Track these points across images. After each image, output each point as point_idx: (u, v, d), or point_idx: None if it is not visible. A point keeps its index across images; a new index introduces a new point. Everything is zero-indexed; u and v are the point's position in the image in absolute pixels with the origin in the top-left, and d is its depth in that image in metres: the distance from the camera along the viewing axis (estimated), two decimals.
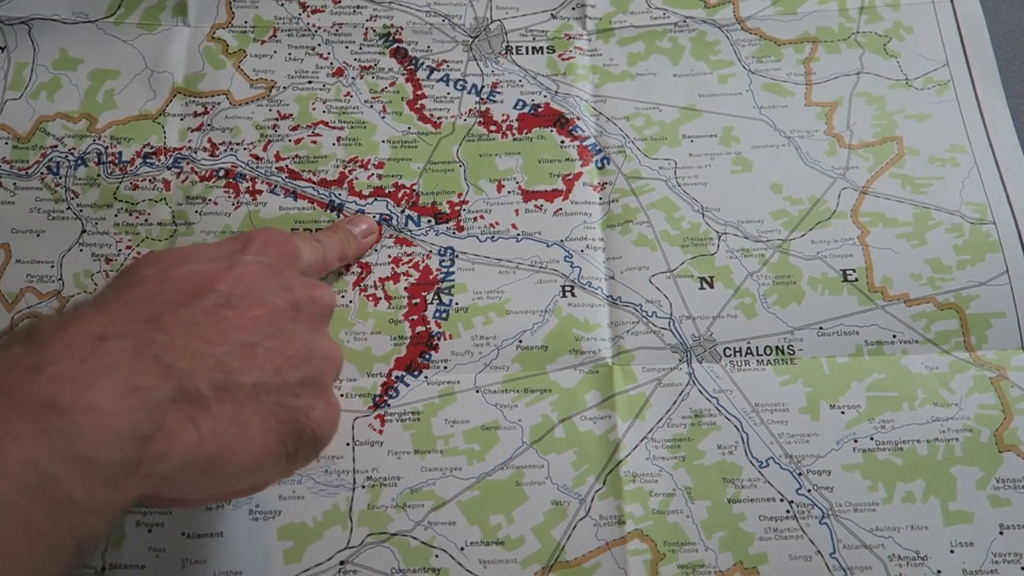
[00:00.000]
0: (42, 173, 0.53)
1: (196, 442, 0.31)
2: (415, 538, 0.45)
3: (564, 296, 0.50)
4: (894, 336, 0.48)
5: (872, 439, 0.46)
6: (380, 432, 0.47)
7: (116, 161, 0.54)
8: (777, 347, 0.48)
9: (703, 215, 0.51)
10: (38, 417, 0.27)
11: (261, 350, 0.34)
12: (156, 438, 0.30)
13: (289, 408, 0.35)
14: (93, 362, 0.29)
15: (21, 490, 0.27)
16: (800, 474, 0.45)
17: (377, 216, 0.52)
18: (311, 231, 0.51)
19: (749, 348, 0.48)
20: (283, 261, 0.39)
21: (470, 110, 0.55)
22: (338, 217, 0.52)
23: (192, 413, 0.31)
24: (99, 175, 0.53)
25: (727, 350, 0.48)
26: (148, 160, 0.54)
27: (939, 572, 0.43)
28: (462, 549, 0.45)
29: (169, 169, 0.54)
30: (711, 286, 0.50)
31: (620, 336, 0.49)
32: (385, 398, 0.48)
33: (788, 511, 0.45)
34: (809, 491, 0.45)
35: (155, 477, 0.30)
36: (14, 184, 0.53)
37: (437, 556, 0.44)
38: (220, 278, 0.35)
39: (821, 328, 0.49)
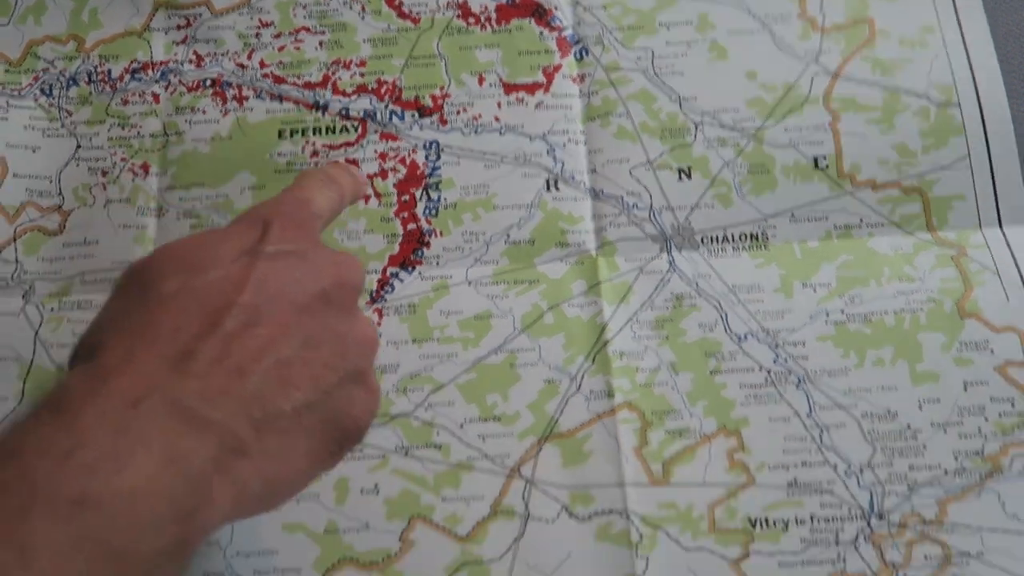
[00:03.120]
0: (35, 95, 0.55)
1: (236, 495, 0.30)
2: (417, 418, 0.48)
3: (548, 190, 0.52)
4: (861, 220, 0.51)
5: (843, 312, 0.49)
6: (379, 325, 0.50)
7: (106, 79, 0.55)
8: (752, 234, 0.51)
9: (680, 105, 0.53)
10: (69, 519, 0.26)
11: (297, 365, 0.33)
12: (200, 511, 0.29)
13: (331, 414, 0.34)
14: (127, 434, 0.28)
15: None
16: (777, 346, 0.48)
17: (361, 112, 0.54)
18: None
19: (725, 236, 0.51)
20: (306, 242, 0.37)
21: (448, 3, 0.56)
22: (323, 116, 0.54)
23: (234, 466, 0.30)
24: (91, 94, 0.55)
25: (704, 238, 0.51)
26: (136, 76, 0.55)
27: (909, 425, 0.47)
28: (461, 426, 0.47)
29: (157, 83, 0.55)
30: (689, 177, 0.52)
31: (603, 228, 0.51)
32: (381, 293, 0.50)
33: (767, 379, 0.48)
34: (786, 360, 0.48)
35: (199, 545, 0.29)
36: (7, 102, 0.54)
37: (438, 434, 0.47)
38: (241, 287, 0.33)
39: (793, 215, 0.51)
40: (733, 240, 0.51)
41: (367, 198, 0.50)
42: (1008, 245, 0.50)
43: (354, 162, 0.53)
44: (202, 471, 0.29)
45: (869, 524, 0.45)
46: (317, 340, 0.34)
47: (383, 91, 0.55)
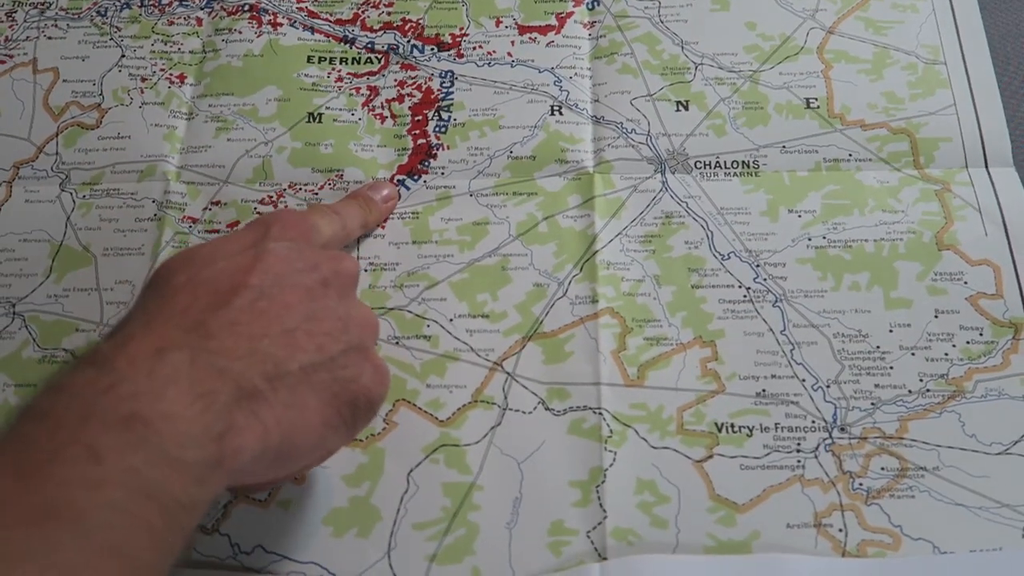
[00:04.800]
0: (92, 16, 0.60)
1: (263, 433, 0.33)
2: (410, 311, 0.50)
3: (552, 114, 0.55)
4: (850, 155, 0.53)
5: (824, 238, 0.51)
6: (383, 227, 0.53)
7: (156, 4, 0.60)
8: (743, 162, 0.53)
9: (682, 48, 0.57)
10: (125, 429, 0.29)
11: (301, 334, 0.36)
12: (229, 435, 0.32)
13: (339, 380, 0.37)
14: (157, 376, 0.31)
15: (131, 494, 0.28)
16: (758, 266, 0.50)
17: (385, 46, 0.58)
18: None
19: (718, 162, 0.53)
20: (303, 240, 0.41)
21: None
22: (350, 48, 0.58)
23: (254, 408, 0.33)
24: (140, 15, 0.60)
25: (698, 163, 0.53)
26: (184, 3, 0.60)
27: (878, 347, 0.48)
28: (451, 320, 0.50)
29: (202, 9, 0.60)
30: (686, 108, 0.55)
31: (602, 149, 0.54)
32: None
33: (745, 296, 0.50)
34: (765, 280, 0.50)
35: (235, 471, 0.32)
36: (67, 25, 0.60)
37: (428, 326, 0.50)
38: (249, 271, 0.37)
39: (784, 147, 0.54)
40: (725, 166, 0.53)
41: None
42: (992, 184, 0.52)
43: (389, 186, 0.54)
44: (226, 405, 0.32)
45: (831, 435, 0.46)
46: (320, 316, 0.37)
47: (407, 28, 0.59)
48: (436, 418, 0.48)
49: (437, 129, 0.55)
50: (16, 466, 0.28)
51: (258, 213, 0.53)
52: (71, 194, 0.54)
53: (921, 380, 0.47)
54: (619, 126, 0.54)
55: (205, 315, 0.34)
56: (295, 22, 0.59)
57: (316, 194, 0.53)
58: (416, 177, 0.54)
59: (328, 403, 0.36)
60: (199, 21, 0.60)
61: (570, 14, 0.58)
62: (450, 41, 0.58)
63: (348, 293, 0.41)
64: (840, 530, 0.44)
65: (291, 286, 0.37)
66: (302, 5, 0.60)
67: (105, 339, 0.33)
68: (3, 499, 0.28)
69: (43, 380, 0.32)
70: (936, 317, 0.49)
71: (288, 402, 0.34)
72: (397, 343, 0.49)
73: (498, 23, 0.58)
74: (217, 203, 0.53)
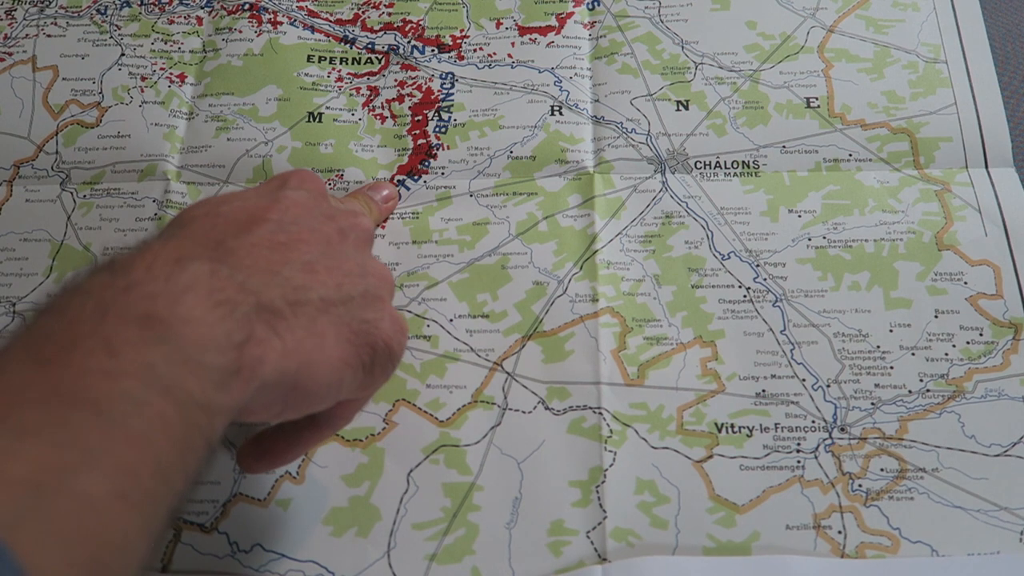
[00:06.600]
0: (92, 14, 0.60)
1: (283, 351, 0.32)
2: (410, 311, 0.50)
3: (552, 115, 0.55)
4: (850, 155, 0.53)
5: (824, 238, 0.51)
6: (383, 227, 0.53)
7: (156, 2, 0.60)
8: (743, 162, 0.53)
9: (683, 48, 0.57)
10: (143, 327, 0.29)
11: (321, 268, 0.36)
12: (249, 345, 0.31)
13: (359, 320, 0.36)
14: (176, 282, 0.30)
15: (147, 388, 0.28)
16: (758, 265, 0.50)
17: (386, 47, 0.58)
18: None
19: (718, 162, 0.53)
20: (320, 195, 0.41)
21: None
22: (350, 48, 0.58)
23: (274, 324, 0.33)
24: (140, 13, 0.60)
25: (698, 163, 0.53)
26: (185, 1, 0.60)
27: (878, 347, 0.48)
28: (451, 320, 0.50)
29: (203, 8, 0.60)
30: (686, 108, 0.55)
31: (602, 149, 0.54)
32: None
33: (745, 295, 0.50)
34: (765, 279, 0.50)
35: (255, 382, 0.31)
36: (67, 23, 0.60)
37: (428, 326, 0.50)
38: (269, 209, 0.37)
39: (784, 147, 0.54)
40: (725, 166, 0.53)
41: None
42: (992, 184, 0.52)
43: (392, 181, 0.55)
44: (246, 315, 0.31)
45: (831, 436, 0.46)
46: (338, 258, 0.37)
47: (407, 29, 0.59)
48: (436, 418, 0.48)
49: (437, 129, 0.55)
50: (33, 353, 0.28)
51: None
52: (71, 193, 0.54)
53: (921, 380, 0.47)
54: (619, 126, 0.54)
55: (225, 237, 0.34)
56: (295, 21, 0.59)
57: None
58: (416, 177, 0.54)
59: (348, 340, 0.36)
60: (199, 20, 0.60)
61: (570, 14, 0.58)
62: (450, 43, 0.58)
63: (364, 247, 0.40)
64: (839, 532, 0.44)
65: (309, 228, 0.37)
66: (302, 4, 0.60)
67: (126, 250, 0.32)
68: (18, 381, 0.27)
69: (60, 284, 0.31)
70: (936, 317, 0.49)
71: (307, 329, 0.34)
72: None
73: (498, 24, 0.58)
74: None
